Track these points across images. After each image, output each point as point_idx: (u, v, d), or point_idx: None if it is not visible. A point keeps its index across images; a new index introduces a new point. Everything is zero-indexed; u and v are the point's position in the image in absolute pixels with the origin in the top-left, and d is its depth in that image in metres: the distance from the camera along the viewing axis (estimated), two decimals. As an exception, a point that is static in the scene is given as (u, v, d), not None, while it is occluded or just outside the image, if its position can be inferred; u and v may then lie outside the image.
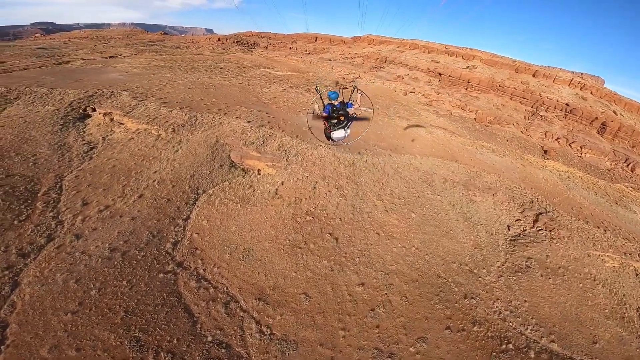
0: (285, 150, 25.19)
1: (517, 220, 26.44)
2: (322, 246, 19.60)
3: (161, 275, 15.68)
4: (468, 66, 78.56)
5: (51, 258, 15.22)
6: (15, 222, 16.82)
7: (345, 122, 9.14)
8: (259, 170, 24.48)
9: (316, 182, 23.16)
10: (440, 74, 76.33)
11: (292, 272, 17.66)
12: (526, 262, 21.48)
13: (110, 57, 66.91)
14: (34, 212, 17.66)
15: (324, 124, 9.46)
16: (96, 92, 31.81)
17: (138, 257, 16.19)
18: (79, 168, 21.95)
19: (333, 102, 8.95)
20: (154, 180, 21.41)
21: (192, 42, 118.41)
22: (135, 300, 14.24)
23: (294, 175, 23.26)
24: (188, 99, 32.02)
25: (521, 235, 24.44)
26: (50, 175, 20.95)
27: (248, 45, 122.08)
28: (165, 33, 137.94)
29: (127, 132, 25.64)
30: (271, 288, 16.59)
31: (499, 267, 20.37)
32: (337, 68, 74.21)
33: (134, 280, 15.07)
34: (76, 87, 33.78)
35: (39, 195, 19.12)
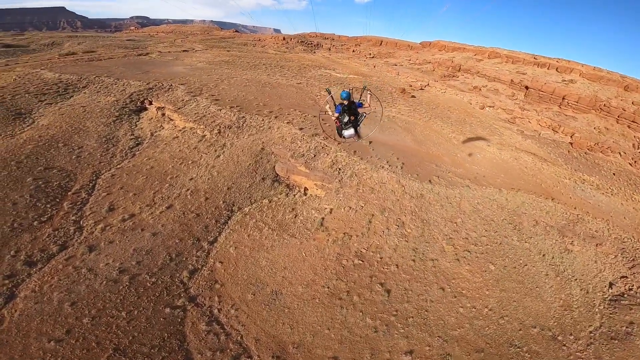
0: (339, 169, 21.26)
1: (622, 277, 20.35)
2: (368, 299, 15.36)
3: (168, 310, 12.90)
4: (564, 80, 66.24)
5: (57, 271, 13.41)
6: (35, 222, 15.57)
7: (355, 121, 9.40)
8: (305, 189, 20.94)
9: (373, 214, 18.80)
10: (527, 88, 65.56)
11: (324, 329, 13.76)
12: (626, 327, 16.69)
13: (183, 50, 70.14)
14: (57, 213, 16.38)
15: (336, 122, 9.73)
16: (156, 85, 31.48)
17: (147, 283, 13.65)
18: (118, 166, 20.72)
19: (344, 102, 9.13)
20: (188, 189, 19.13)
21: (259, 40, 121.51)
22: (130, 338, 11.64)
23: (347, 202, 19.20)
24: (241, 97, 29.94)
25: (625, 296, 19.03)
26: (88, 171, 19.93)
27: (311, 46, 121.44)
28: (237, 31, 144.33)
29: (174, 130, 24.15)
30: (295, 345, 12.93)
31: (590, 332, 15.82)
32: (403, 74, 68.24)
33: (135, 312, 12.49)
34: (141, 78, 34.08)
35: (69, 193, 18.00)
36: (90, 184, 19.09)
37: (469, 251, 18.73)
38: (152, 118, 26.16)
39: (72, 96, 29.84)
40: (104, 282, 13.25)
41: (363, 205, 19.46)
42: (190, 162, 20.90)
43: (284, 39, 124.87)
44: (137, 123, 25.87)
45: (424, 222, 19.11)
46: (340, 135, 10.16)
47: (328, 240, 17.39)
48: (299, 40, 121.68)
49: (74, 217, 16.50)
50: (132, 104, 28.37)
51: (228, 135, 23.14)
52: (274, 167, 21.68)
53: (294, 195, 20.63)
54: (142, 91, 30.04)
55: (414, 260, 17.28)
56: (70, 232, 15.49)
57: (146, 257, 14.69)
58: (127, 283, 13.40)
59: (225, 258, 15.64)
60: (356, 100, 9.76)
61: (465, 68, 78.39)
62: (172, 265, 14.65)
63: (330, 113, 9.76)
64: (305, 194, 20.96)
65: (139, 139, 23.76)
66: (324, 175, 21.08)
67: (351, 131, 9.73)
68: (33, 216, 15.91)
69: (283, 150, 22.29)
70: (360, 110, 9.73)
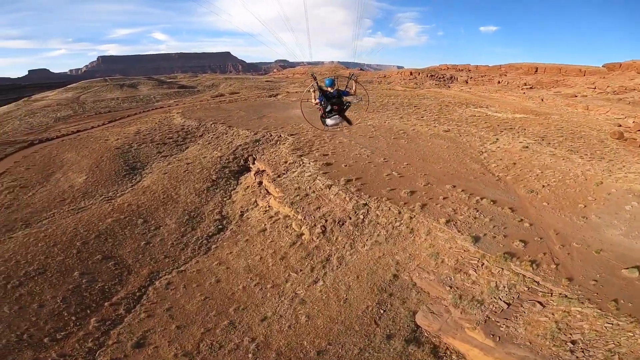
0: (573, 344, 8.57)
1: None
2: None
3: None
4: None
5: None
6: (47, 339, 11.08)
7: (340, 110, 9.04)
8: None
9: None
10: None
11: None
12: None
13: (308, 90, 70.00)
14: (77, 332, 11.39)
15: (320, 110, 9.20)
16: (264, 136, 26.24)
17: None
18: (182, 267, 14.34)
19: (329, 89, 8.79)
20: (253, 341, 10.43)
21: (384, 76, 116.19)
22: None
23: None
24: (364, 157, 20.71)
25: None
26: (145, 270, 14.08)
27: (444, 80, 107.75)
28: (361, 69, 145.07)
29: (265, 214, 16.74)
30: None
31: None
32: (596, 108, 46.60)
33: None
34: (252, 126, 30.00)
35: (106, 304, 12.54)
36: (138, 293, 13.12)
37: None
38: (248, 187, 19.97)
39: (188, 147, 27.65)
40: None
41: None
42: (269, 286, 12.34)
43: (411, 73, 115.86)
44: (231, 193, 20.18)
45: None
46: (324, 123, 9.34)
47: None
48: (429, 74, 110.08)
49: (91, 344, 11.15)
50: (235, 163, 23.45)
51: (337, 239, 13.72)
52: (414, 314, 10.82)
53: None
54: (248, 144, 25.09)
55: None
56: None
57: None
58: None
59: None
60: (342, 89, 8.89)
61: None
62: None
63: (313, 100, 8.81)
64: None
65: (224, 221, 17.53)
66: (536, 357, 8.78)
67: (335, 120, 8.97)
68: (49, 329, 11.42)
69: (435, 286, 11.18)
70: (346, 98, 8.85)
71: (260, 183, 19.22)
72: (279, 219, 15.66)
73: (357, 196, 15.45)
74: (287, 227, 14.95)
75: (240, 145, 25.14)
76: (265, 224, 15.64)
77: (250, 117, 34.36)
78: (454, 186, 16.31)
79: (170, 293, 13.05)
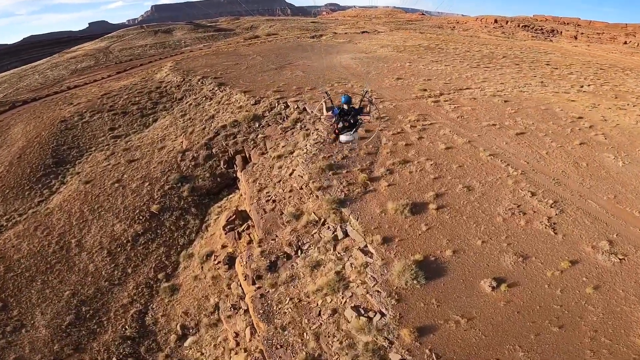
0: None
1: None
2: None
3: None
4: None
5: None
6: None
7: (352, 127, 8.73)
8: None
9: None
10: None
11: None
12: None
13: (362, 32, 56.03)
14: None
15: (334, 125, 8.88)
16: (272, 107, 13.48)
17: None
18: None
19: (343, 106, 8.40)
20: None
21: (457, 22, 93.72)
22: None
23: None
24: (544, 241, 5.82)
25: None
26: None
27: (542, 32, 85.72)
28: (423, 14, 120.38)
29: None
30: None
31: None
32: None
33: None
34: (261, 83, 17.32)
35: None
36: None
37: None
38: (210, 255, 8.40)
39: (156, 120, 16.58)
40: None
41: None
42: None
43: (495, 21, 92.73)
44: (180, 255, 9.07)
45: None
46: (337, 140, 8.85)
47: None
48: (519, 24, 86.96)
49: None
50: (207, 168, 12.10)
51: None
52: None
53: None
54: (238, 125, 13.05)
55: None
56: None
57: None
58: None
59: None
60: (356, 106, 8.43)
61: None
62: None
63: (321, 115, 8.48)
64: None
65: (142, 348, 6.52)
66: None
67: (348, 137, 8.57)
68: None
69: None
70: (360, 117, 8.31)
71: (230, 261, 7.37)
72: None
73: None
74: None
75: (224, 126, 12.96)
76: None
77: (265, 67, 21.27)
78: None
79: None
